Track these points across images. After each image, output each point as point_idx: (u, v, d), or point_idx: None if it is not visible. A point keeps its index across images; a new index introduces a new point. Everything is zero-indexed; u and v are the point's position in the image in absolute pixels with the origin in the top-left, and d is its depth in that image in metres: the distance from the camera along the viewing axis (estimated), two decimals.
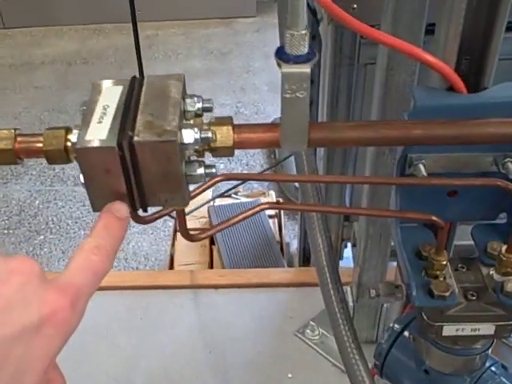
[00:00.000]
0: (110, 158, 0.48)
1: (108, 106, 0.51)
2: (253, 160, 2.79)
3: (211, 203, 2.09)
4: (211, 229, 0.62)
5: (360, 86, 1.28)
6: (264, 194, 2.24)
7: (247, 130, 0.52)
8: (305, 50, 0.48)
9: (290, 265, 2.00)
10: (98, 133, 0.49)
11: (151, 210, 0.57)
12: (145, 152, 0.48)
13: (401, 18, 0.87)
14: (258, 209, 0.63)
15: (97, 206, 0.52)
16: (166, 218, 2.57)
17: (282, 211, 2.15)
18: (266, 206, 0.64)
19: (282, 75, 0.48)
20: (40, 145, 0.53)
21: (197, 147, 0.51)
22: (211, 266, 1.92)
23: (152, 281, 1.49)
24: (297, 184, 2.24)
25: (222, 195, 2.10)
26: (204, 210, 2.05)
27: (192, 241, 0.62)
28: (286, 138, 0.50)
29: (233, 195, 2.16)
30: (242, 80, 3.32)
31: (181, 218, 0.59)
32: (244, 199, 2.15)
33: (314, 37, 1.28)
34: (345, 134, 0.51)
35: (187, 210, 2.02)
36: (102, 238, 0.47)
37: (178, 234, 2.03)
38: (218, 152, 0.52)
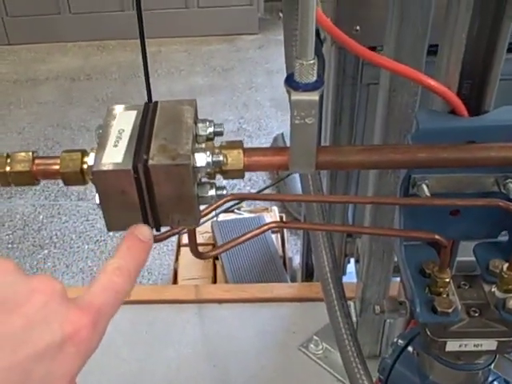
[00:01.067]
0: (126, 180, 0.50)
1: (123, 130, 0.53)
2: (255, 175, 2.81)
3: (214, 218, 2.10)
4: (220, 247, 0.64)
5: (363, 105, 1.30)
6: (267, 209, 2.26)
7: (257, 153, 0.54)
8: (313, 78, 0.50)
9: (293, 279, 2.02)
10: (114, 156, 0.51)
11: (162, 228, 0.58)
12: (159, 175, 0.50)
13: (404, 40, 0.89)
14: (265, 228, 0.65)
15: (112, 226, 0.54)
16: None
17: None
18: (274, 225, 0.66)
19: (291, 102, 0.50)
20: (57, 167, 0.55)
21: (208, 170, 0.53)
22: (215, 281, 1.94)
23: (157, 295, 1.51)
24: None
25: (225, 210, 2.12)
26: (207, 225, 2.07)
27: (201, 258, 0.64)
28: (295, 161, 0.52)
29: (236, 210, 2.18)
30: (245, 96, 3.35)
31: (191, 237, 0.61)
32: (247, 214, 2.17)
33: (318, 56, 1.31)
34: (351, 157, 0.53)
35: None
36: (125, 260, 0.48)
37: (182, 249, 2.05)
38: (228, 174, 0.54)
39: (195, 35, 3.87)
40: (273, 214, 2.22)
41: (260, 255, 1.96)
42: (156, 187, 0.51)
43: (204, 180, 0.55)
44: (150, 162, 0.50)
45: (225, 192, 0.54)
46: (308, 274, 2.09)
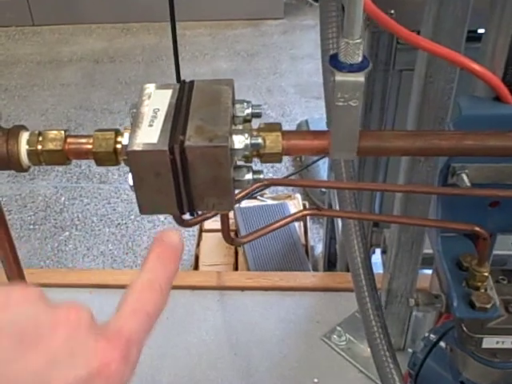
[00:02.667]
0: (161, 161, 0.48)
1: (158, 110, 0.51)
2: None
3: (237, 204, 2.09)
4: (253, 234, 0.62)
5: (394, 91, 1.28)
6: (290, 196, 2.24)
7: (296, 136, 0.52)
8: (359, 58, 0.48)
9: (315, 269, 2.00)
10: (149, 136, 0.49)
11: None
12: (195, 156, 0.48)
13: (443, 24, 0.86)
14: (300, 215, 0.63)
15: (144, 209, 0.52)
16: (191, 217, 2.57)
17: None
18: (308, 212, 0.64)
19: (335, 83, 0.47)
20: (89, 146, 0.53)
21: (246, 153, 0.51)
22: (236, 268, 1.92)
23: (178, 281, 1.48)
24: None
25: (248, 197, 2.10)
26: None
27: (233, 245, 0.62)
28: (336, 146, 0.50)
29: (259, 197, 2.16)
30: (269, 82, 3.32)
31: (224, 222, 0.59)
32: (270, 201, 2.15)
33: None
34: (395, 143, 0.51)
35: None
36: (155, 273, 0.42)
37: (204, 234, 2.04)
38: (266, 158, 0.52)
39: (220, 19, 3.84)
40: (296, 202, 2.19)
41: (282, 243, 1.94)
42: (192, 169, 0.49)
43: (240, 163, 0.53)
44: (187, 142, 0.48)
45: (262, 176, 0.52)
46: (330, 264, 2.07)
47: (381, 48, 1.21)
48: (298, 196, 2.27)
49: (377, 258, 1.51)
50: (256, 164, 0.54)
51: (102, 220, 2.48)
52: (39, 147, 0.53)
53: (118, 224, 2.45)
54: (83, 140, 0.53)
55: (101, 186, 2.64)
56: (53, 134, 0.53)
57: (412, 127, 1.01)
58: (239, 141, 0.49)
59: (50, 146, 0.53)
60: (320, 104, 3.14)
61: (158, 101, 0.53)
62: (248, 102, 0.53)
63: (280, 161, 0.52)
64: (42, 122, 3.03)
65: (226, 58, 3.55)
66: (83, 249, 2.34)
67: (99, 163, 0.53)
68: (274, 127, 0.52)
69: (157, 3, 3.70)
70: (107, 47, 3.71)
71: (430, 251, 1.30)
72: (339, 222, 1.68)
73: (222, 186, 0.50)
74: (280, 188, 2.59)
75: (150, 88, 0.54)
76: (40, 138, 0.53)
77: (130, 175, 0.51)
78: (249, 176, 0.51)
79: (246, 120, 0.53)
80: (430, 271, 1.55)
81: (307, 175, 2.71)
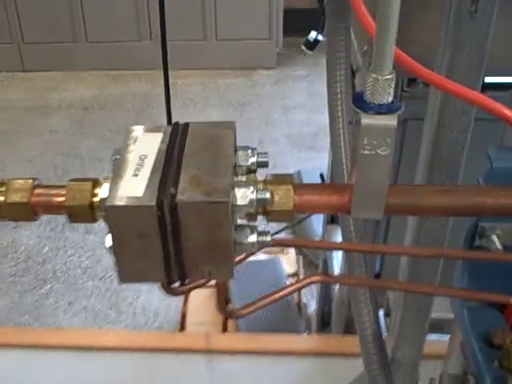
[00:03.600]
0: (147, 219, 0.40)
1: (145, 156, 0.43)
2: None
3: None
4: (252, 305, 0.53)
5: (398, 143, 1.20)
6: (283, 251, 2.14)
7: (311, 191, 0.43)
8: (389, 98, 0.40)
9: (307, 328, 1.89)
10: (134, 188, 0.40)
11: None
12: (189, 214, 0.39)
13: (457, 68, 0.79)
14: (307, 281, 0.54)
15: (125, 277, 0.43)
16: None
17: (300, 271, 2.05)
18: (317, 278, 0.55)
19: (361, 127, 0.39)
20: (61, 199, 0.44)
21: (250, 210, 0.42)
22: (225, 327, 1.81)
23: (162, 342, 1.39)
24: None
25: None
26: None
27: (230, 317, 0.52)
28: (360, 203, 0.41)
29: None
30: (261, 132, 3.25)
31: (221, 292, 0.50)
32: (262, 255, 2.05)
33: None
34: (430, 200, 0.43)
35: None
36: None
37: (191, 292, 1.93)
38: (274, 216, 0.43)
39: (212, 68, 3.80)
40: (290, 257, 2.10)
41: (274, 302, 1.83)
42: (184, 230, 0.40)
43: (242, 222, 0.44)
44: (179, 197, 0.39)
45: (268, 239, 0.43)
46: (324, 324, 1.97)
47: None
48: (292, 250, 2.17)
49: None
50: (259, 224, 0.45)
51: (85, 272, 2.37)
52: (1, 199, 0.44)
53: (103, 277, 2.34)
54: (54, 191, 0.44)
55: (86, 237, 2.53)
56: (18, 183, 0.45)
57: (422, 181, 0.93)
58: (243, 195, 0.41)
59: (14, 197, 0.44)
60: (312, 155, 3.08)
61: (145, 146, 0.44)
62: (253, 149, 0.45)
63: (291, 219, 0.43)
64: (28, 170, 2.94)
65: (218, 108, 3.49)
66: (65, 303, 2.22)
67: (73, 219, 0.44)
68: (284, 179, 0.43)
69: (149, 51, 3.69)
70: (97, 94, 3.65)
71: (439, 315, 1.21)
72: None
73: (220, 251, 0.41)
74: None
75: (137, 131, 0.46)
76: (3, 188, 0.44)
77: (108, 236, 0.42)
78: (253, 238, 0.43)
79: (251, 170, 0.44)
80: (435, 336, 1.45)
81: (299, 228, 2.62)
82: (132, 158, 0.43)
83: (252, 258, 1.93)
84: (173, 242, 0.40)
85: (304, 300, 2.05)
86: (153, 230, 0.40)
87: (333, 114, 0.74)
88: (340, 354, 1.35)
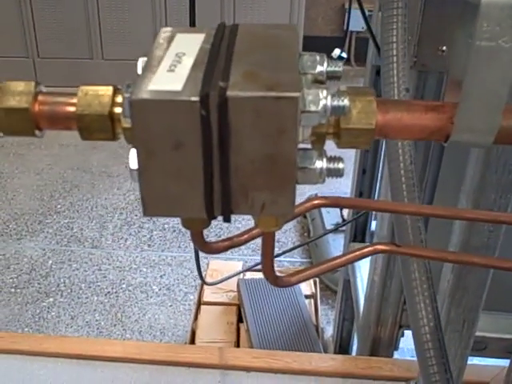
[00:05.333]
0: (187, 122, 0.29)
1: (183, 54, 0.33)
2: (284, 237, 2.59)
3: (241, 276, 1.88)
4: (303, 271, 0.43)
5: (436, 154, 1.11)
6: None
7: (398, 106, 0.33)
8: None
9: (324, 352, 1.76)
10: (170, 82, 0.30)
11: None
12: (243, 115, 0.29)
13: None
14: (371, 249, 0.44)
15: (152, 207, 0.32)
16: (187, 289, 2.35)
17: (318, 293, 1.94)
18: (384, 247, 0.44)
19: (481, 6, 0.29)
20: (72, 109, 0.34)
21: (322, 122, 0.32)
22: (237, 346, 1.69)
23: (173, 356, 1.27)
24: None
25: (251, 269, 1.89)
26: (232, 283, 1.83)
27: (277, 285, 0.42)
28: (466, 119, 0.31)
29: None
30: None
31: (268, 248, 0.39)
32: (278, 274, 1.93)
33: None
34: None
35: (211, 280, 1.80)
36: None
37: (203, 308, 1.81)
38: (348, 138, 0.33)
39: None
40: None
41: (291, 321, 1.72)
42: (235, 138, 0.30)
43: (303, 146, 0.34)
44: (231, 91, 0.29)
45: (341, 166, 0.33)
46: (341, 349, 1.84)
47: (427, 90, 1.04)
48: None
49: (407, 341, 1.30)
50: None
51: (90, 287, 2.25)
52: None
53: (108, 293, 2.23)
54: (63, 98, 0.34)
55: (92, 251, 2.43)
56: (19, 85, 0.34)
57: (466, 203, 0.83)
58: (314, 99, 0.30)
59: (12, 101, 0.34)
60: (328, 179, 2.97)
61: (183, 45, 0.34)
62: (321, 56, 0.34)
63: (369, 145, 0.33)
64: (36, 181, 2.85)
65: None
66: (67, 317, 2.11)
67: (86, 135, 0.34)
68: (364, 91, 0.33)
69: None
70: None
71: (483, 334, 1.09)
72: (360, 300, 1.47)
73: (279, 173, 0.31)
74: (285, 263, 2.39)
75: (172, 31, 0.36)
76: None
77: (132, 151, 0.32)
78: (320, 164, 0.32)
79: (318, 81, 0.34)
80: (477, 361, 1.33)
81: (316, 252, 2.51)
82: (166, 55, 0.33)
83: None
84: (219, 155, 0.30)
85: (321, 324, 1.94)
86: (193, 137, 0.29)
87: (387, 80, 0.64)
88: (366, 377, 1.23)
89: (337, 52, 2.50)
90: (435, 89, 1.04)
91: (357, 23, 1.92)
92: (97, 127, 0.33)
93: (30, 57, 3.86)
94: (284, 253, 1.98)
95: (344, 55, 2.54)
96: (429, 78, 1.03)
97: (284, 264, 2.41)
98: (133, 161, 0.32)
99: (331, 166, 0.32)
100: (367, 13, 1.20)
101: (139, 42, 3.76)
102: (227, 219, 0.32)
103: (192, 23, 0.74)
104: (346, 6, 4.02)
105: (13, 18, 3.72)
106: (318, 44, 3.80)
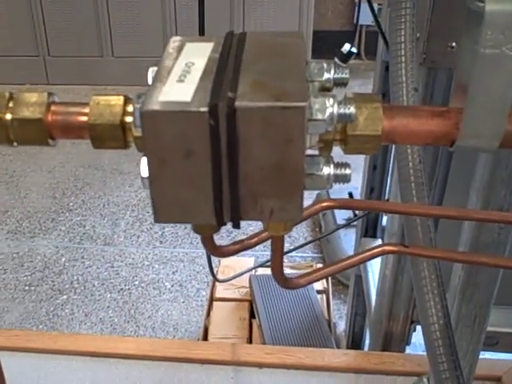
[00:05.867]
0: (196, 131, 0.30)
1: (193, 64, 0.33)
2: (296, 232, 2.59)
3: (253, 272, 1.89)
4: (313, 273, 0.43)
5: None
6: (311, 266, 2.04)
7: (404, 112, 0.33)
8: None
9: (337, 347, 1.77)
10: (179, 93, 0.31)
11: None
12: (252, 125, 0.30)
13: None
14: (380, 250, 0.44)
15: (162, 214, 0.33)
16: (199, 285, 2.37)
17: (330, 288, 1.94)
18: (392, 248, 0.45)
19: (485, 14, 0.29)
20: (84, 118, 0.35)
21: (329, 129, 0.32)
22: (250, 342, 1.70)
23: (186, 352, 1.28)
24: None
25: (263, 265, 1.90)
26: (244, 279, 1.85)
27: (287, 287, 0.42)
28: (472, 124, 0.32)
29: None
30: None
31: (277, 252, 0.40)
32: (288, 270, 1.94)
33: None
34: None
35: (223, 276, 1.81)
36: None
37: (215, 304, 1.83)
38: (355, 144, 0.34)
39: None
40: None
41: (303, 317, 1.73)
42: (243, 147, 0.30)
43: (311, 152, 0.35)
44: (239, 101, 0.30)
45: (348, 172, 0.33)
46: (354, 344, 1.85)
47: (437, 87, 1.04)
48: (319, 266, 2.06)
49: (418, 336, 1.30)
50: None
51: (103, 284, 2.27)
52: (7, 116, 0.35)
53: (121, 289, 2.24)
54: (75, 108, 0.35)
55: (105, 248, 2.45)
56: (33, 96, 0.35)
57: (475, 204, 0.84)
58: (321, 107, 0.31)
59: (26, 112, 0.34)
60: None
61: (192, 54, 0.35)
62: (328, 63, 0.35)
63: (377, 150, 0.34)
64: (48, 180, 2.88)
65: None
66: (81, 314, 2.13)
67: (98, 144, 0.35)
68: (370, 97, 0.34)
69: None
70: None
71: (495, 329, 1.09)
72: (372, 295, 1.47)
73: (287, 180, 0.31)
74: (297, 259, 2.40)
75: (181, 41, 0.36)
76: (11, 104, 0.35)
77: (142, 159, 0.32)
78: (328, 170, 0.33)
79: (325, 88, 0.34)
80: (488, 355, 1.33)
81: (327, 248, 2.51)
82: (176, 64, 0.34)
83: None
84: (228, 163, 0.31)
85: (333, 319, 1.94)
86: (202, 146, 0.30)
87: (395, 80, 0.64)
88: (380, 372, 1.24)
89: (347, 47, 2.49)
90: (445, 85, 1.04)
91: (367, 17, 1.92)
92: (108, 136, 0.34)
93: (40, 55, 3.88)
94: (295, 249, 1.99)
95: (354, 50, 2.53)
96: (438, 75, 1.03)
97: (296, 259, 2.42)
98: (144, 169, 0.32)
99: (338, 171, 0.33)
100: (377, 7, 1.20)
101: (149, 40, 3.77)
102: (236, 225, 0.33)
103: (201, 30, 0.74)
104: None
105: (23, 16, 3.74)
106: (328, 38, 3.80)
